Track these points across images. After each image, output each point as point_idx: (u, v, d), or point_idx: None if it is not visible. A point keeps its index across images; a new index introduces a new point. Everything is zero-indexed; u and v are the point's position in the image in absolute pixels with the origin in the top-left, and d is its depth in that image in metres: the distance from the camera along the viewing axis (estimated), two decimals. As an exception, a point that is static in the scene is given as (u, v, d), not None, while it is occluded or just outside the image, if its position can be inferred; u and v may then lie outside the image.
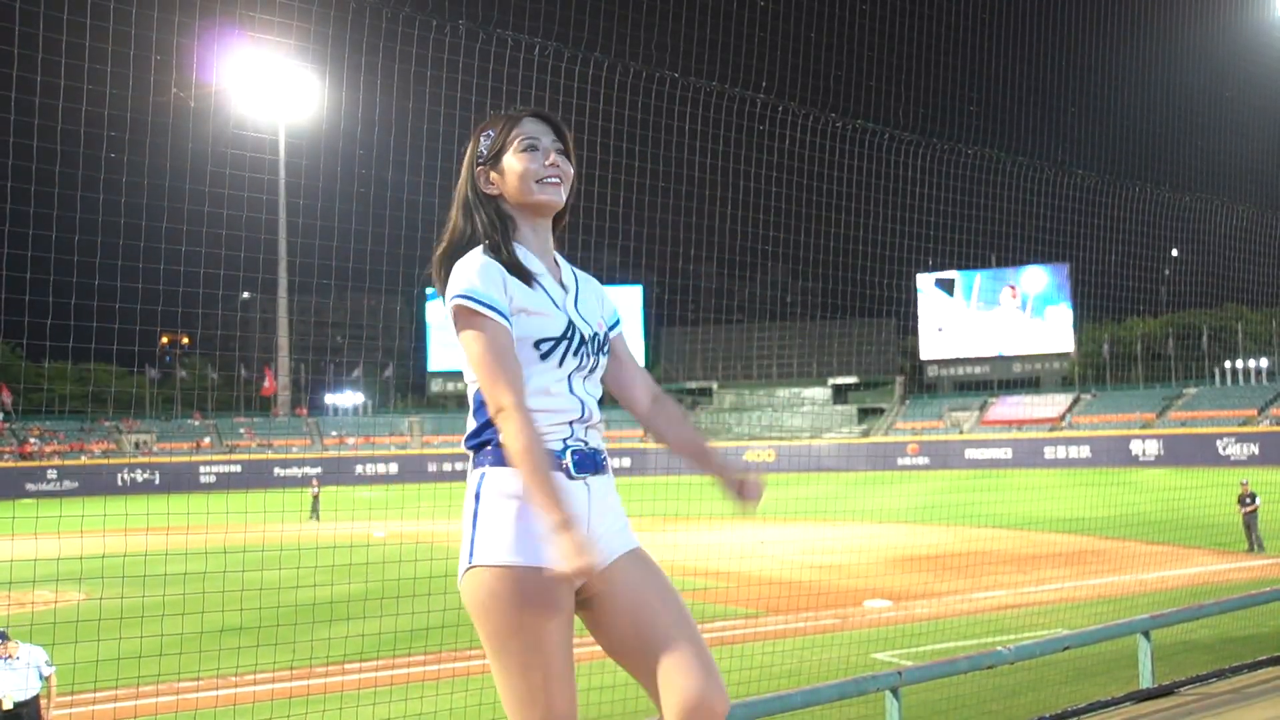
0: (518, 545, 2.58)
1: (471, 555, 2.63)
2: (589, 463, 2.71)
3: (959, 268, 68.27)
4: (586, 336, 2.76)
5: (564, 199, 2.80)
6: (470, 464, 2.75)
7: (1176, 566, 17.81)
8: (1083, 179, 12.31)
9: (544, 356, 2.67)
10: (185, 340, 68.13)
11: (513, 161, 2.76)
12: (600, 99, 7.79)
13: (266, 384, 69.30)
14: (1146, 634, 7.47)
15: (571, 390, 2.72)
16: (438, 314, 71.69)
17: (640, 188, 8.41)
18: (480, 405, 2.69)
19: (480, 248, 2.73)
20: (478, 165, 2.83)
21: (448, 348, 71.75)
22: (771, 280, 62.60)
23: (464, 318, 2.62)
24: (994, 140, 11.31)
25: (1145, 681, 7.34)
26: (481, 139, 2.84)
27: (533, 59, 7.63)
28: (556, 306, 2.73)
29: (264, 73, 45.11)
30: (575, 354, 2.72)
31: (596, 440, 2.78)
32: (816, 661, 10.90)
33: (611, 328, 2.93)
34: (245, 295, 64.22)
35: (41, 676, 8.54)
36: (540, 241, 2.82)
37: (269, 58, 40.17)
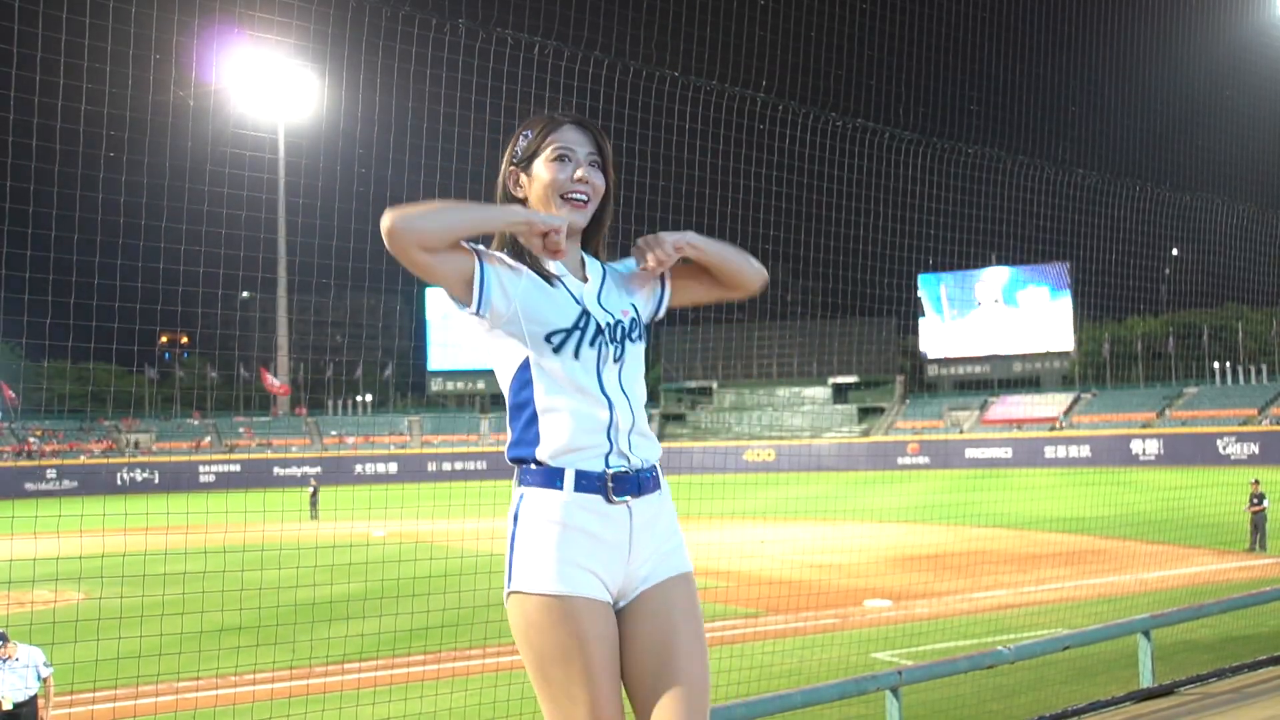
0: (558, 573, 2.54)
1: (510, 580, 2.60)
2: (630, 484, 2.63)
3: (959, 267, 68.25)
4: (603, 325, 2.66)
5: (585, 220, 2.73)
6: (514, 479, 2.70)
7: (1177, 566, 17.81)
8: (1083, 178, 12.30)
9: (557, 350, 2.60)
10: (184, 340, 68.25)
11: (541, 170, 2.70)
12: (600, 98, 7.78)
13: (277, 385, 69.21)
14: (1147, 633, 7.46)
15: (602, 388, 2.63)
16: (438, 310, 71.82)
17: (640, 186, 8.39)
18: (515, 410, 2.66)
19: (509, 247, 2.71)
20: (511, 164, 2.76)
21: (447, 347, 71.82)
22: (771, 279, 62.28)
23: (460, 256, 2.61)
24: (994, 139, 11.31)
25: (1145, 681, 7.34)
26: (520, 137, 2.76)
27: (532, 58, 7.63)
28: (575, 299, 2.65)
29: (264, 72, 45.12)
30: (592, 344, 2.63)
31: (644, 451, 2.68)
32: (816, 661, 10.90)
33: (658, 306, 2.90)
34: (245, 294, 64.34)
35: (39, 677, 8.53)
36: (566, 246, 2.73)
37: (268, 57, 40.19)
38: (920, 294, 72.45)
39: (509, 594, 2.59)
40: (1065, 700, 7.33)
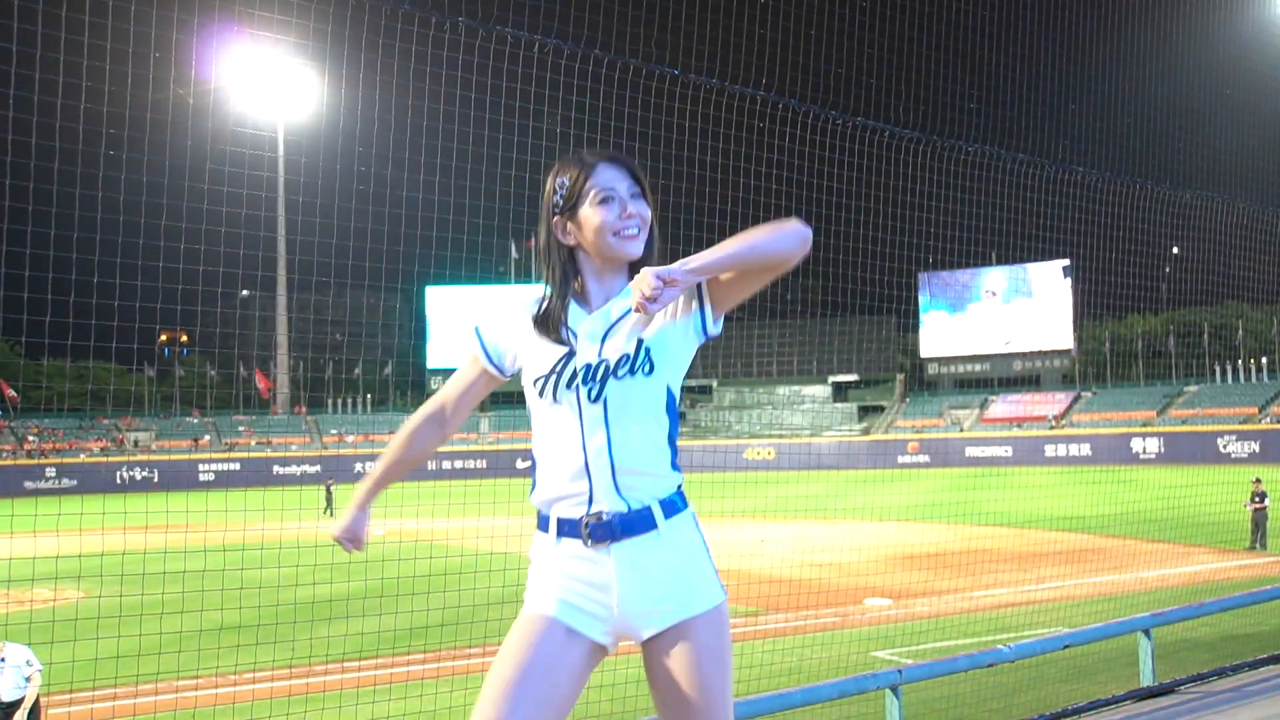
0: (538, 597, 2.74)
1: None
2: (605, 530, 2.64)
3: (959, 265, 68.24)
4: (580, 366, 2.67)
5: (640, 250, 2.75)
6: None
7: (1177, 565, 17.81)
8: (1083, 176, 12.30)
9: (540, 394, 2.71)
10: (184, 338, 68.24)
11: (589, 214, 2.71)
12: (600, 96, 7.77)
13: (262, 386, 69.39)
14: (1147, 632, 7.46)
15: (582, 431, 2.65)
16: (438, 309, 71.80)
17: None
18: (532, 461, 2.80)
19: (539, 295, 2.82)
20: (554, 215, 2.77)
21: (447, 345, 71.81)
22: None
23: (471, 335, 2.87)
24: (995, 137, 11.30)
25: (1146, 680, 7.33)
26: (557, 186, 2.77)
27: (532, 56, 7.62)
28: (567, 340, 2.70)
29: (263, 70, 45.11)
30: (569, 385, 2.66)
31: (639, 492, 2.67)
32: (817, 660, 10.89)
33: (701, 327, 2.81)
34: (244, 293, 64.33)
35: (24, 677, 8.51)
36: (605, 285, 2.78)
37: (268, 55, 40.17)
38: (920, 292, 72.42)
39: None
40: (1065, 699, 7.32)
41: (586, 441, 2.65)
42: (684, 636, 2.67)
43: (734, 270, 2.70)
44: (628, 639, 2.73)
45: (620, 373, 2.66)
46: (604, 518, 2.64)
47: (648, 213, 2.75)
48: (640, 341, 2.68)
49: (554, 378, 2.67)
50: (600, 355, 2.67)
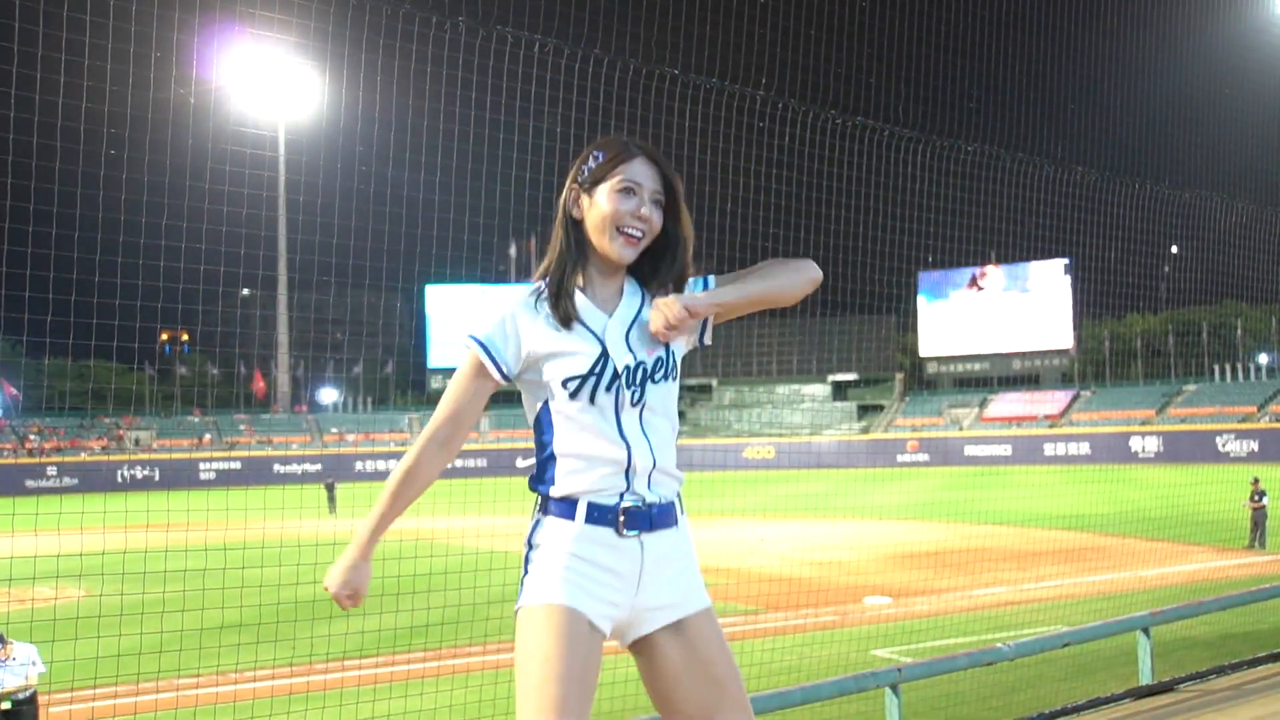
0: (563, 590, 2.62)
1: (520, 598, 2.67)
2: (642, 519, 2.64)
3: (959, 264, 68.25)
4: (621, 369, 2.64)
5: (632, 257, 2.70)
6: (534, 504, 2.77)
7: (1176, 563, 17.83)
8: (1082, 175, 12.31)
9: (573, 395, 2.62)
10: (185, 337, 68.21)
11: (604, 199, 2.67)
12: (600, 95, 7.78)
13: (258, 385, 69.57)
14: (1146, 631, 7.47)
15: (621, 433, 2.64)
16: (438, 308, 71.79)
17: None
18: (537, 447, 2.73)
19: (528, 291, 2.73)
20: (575, 183, 2.74)
21: (448, 345, 71.78)
22: (771, 277, 62.50)
23: (470, 349, 2.72)
24: (993, 137, 11.31)
25: (1145, 678, 7.35)
26: (590, 158, 2.73)
27: (532, 56, 7.64)
28: (597, 339, 2.66)
29: (264, 69, 45.08)
30: (609, 389, 2.63)
31: (664, 489, 2.70)
32: (816, 658, 10.90)
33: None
34: (245, 292, 64.23)
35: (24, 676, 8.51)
36: (606, 277, 2.75)
37: (269, 54, 40.16)
38: (920, 291, 72.40)
39: (517, 610, 2.66)
40: (1065, 697, 7.33)
41: (629, 440, 2.64)
42: (706, 622, 2.74)
43: (755, 306, 2.74)
44: (621, 634, 2.71)
45: (657, 377, 2.69)
46: (641, 506, 2.65)
47: (659, 224, 2.72)
48: (667, 347, 2.72)
49: (593, 379, 2.62)
50: (636, 359, 2.67)
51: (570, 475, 2.64)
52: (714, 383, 79.38)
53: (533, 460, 2.77)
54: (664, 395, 2.71)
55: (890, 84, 10.66)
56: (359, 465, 59.51)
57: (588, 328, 2.67)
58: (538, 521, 2.70)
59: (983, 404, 68.63)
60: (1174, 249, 16.19)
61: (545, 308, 2.68)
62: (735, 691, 2.71)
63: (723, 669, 2.70)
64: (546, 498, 2.68)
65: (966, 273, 71.37)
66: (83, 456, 56.65)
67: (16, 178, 6.82)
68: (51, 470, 54.07)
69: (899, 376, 75.75)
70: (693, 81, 8.34)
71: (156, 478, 53.75)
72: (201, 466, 57.10)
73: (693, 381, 79.28)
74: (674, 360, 2.74)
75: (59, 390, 58.32)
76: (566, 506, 2.64)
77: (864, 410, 73.75)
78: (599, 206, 2.68)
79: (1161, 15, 13.91)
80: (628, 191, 2.67)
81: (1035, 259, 66.01)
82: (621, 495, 2.63)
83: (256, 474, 54.18)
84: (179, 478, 53.19)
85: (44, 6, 6.33)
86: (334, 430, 68.00)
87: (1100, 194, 12.68)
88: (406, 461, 2.69)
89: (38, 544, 7.73)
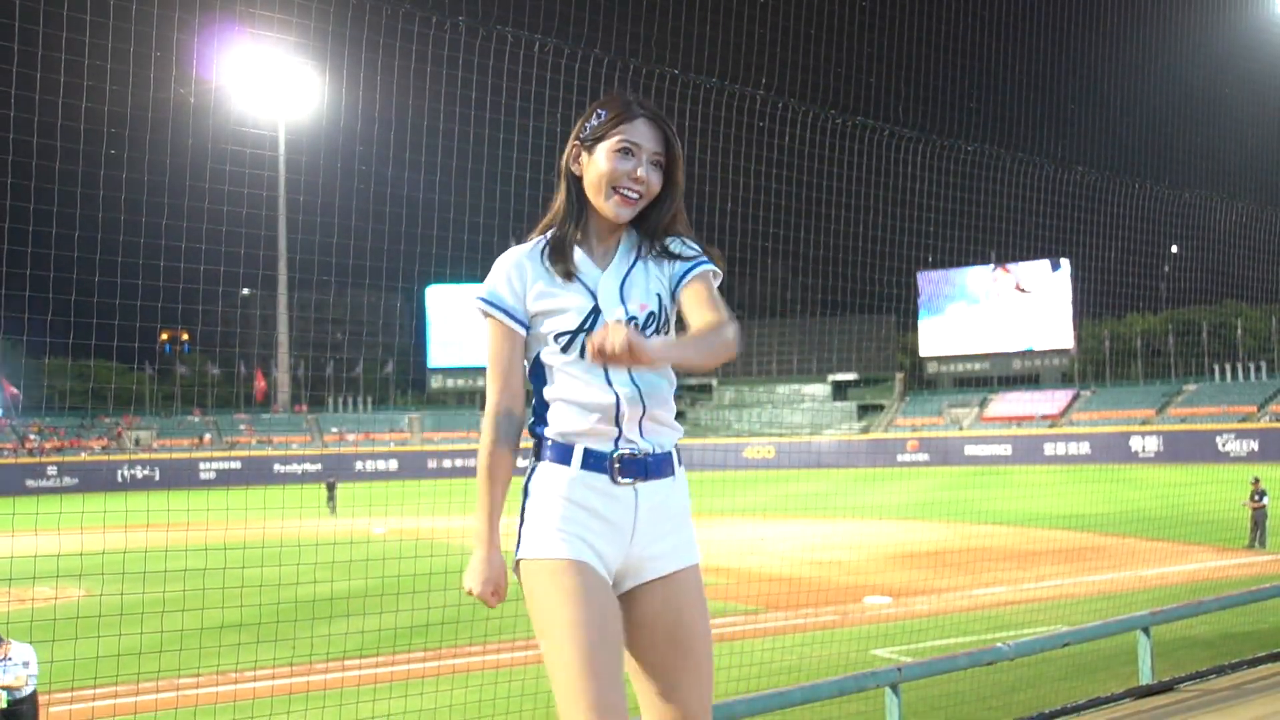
0: (562, 540, 2.62)
1: (518, 549, 2.69)
2: (637, 467, 2.65)
3: (959, 264, 68.25)
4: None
5: (628, 217, 2.72)
6: (531, 452, 2.78)
7: (1176, 563, 17.82)
8: (1082, 175, 12.31)
9: (564, 349, 2.66)
10: (185, 336, 68.21)
11: (602, 157, 2.69)
12: (600, 95, 7.77)
13: (260, 386, 69.71)
14: (1146, 630, 7.47)
15: (609, 382, 2.64)
16: (439, 307, 71.80)
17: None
18: (532, 394, 2.76)
19: (528, 244, 2.77)
20: (577, 140, 2.77)
21: (448, 344, 71.81)
22: (771, 276, 62.38)
23: (481, 314, 2.73)
24: (993, 136, 11.30)
25: (1145, 678, 7.34)
26: (594, 115, 2.75)
27: (532, 55, 7.63)
28: (590, 293, 2.68)
29: (264, 69, 45.08)
30: None
31: (658, 437, 2.70)
32: (816, 658, 10.91)
33: (680, 279, 2.76)
34: (245, 291, 64.24)
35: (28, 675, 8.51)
36: (606, 231, 2.77)
37: (269, 54, 40.14)
38: (919, 291, 72.41)
39: (517, 562, 2.68)
40: (1065, 697, 7.33)
41: (616, 388, 2.65)
42: (693, 576, 2.74)
43: (678, 366, 2.69)
44: (617, 584, 2.69)
45: (647, 331, 2.70)
46: (637, 454, 2.66)
47: (658, 186, 2.74)
48: (659, 297, 2.74)
49: (583, 335, 2.64)
50: (628, 313, 2.69)
51: (564, 419, 2.66)
52: (714, 382, 79.39)
53: (530, 461, 2.79)
54: None
55: (890, 84, 10.66)
56: (359, 465, 59.53)
57: (583, 283, 2.69)
58: (533, 468, 2.72)
59: (983, 404, 68.63)
60: (1174, 249, 16.19)
61: (547, 261, 2.71)
62: (698, 661, 2.67)
63: (689, 630, 2.67)
64: (542, 442, 2.70)
65: (978, 281, 71.33)
66: (83, 456, 56.65)
67: (16, 178, 6.82)
68: (51, 470, 54.07)
69: (899, 376, 75.76)
70: (693, 81, 8.34)
71: (156, 477, 53.75)
72: (201, 466, 57.10)
73: (693, 381, 79.27)
74: (666, 314, 2.75)
75: (59, 390, 58.34)
76: (563, 452, 2.66)
77: (864, 410, 73.76)
78: (597, 165, 2.70)
79: (1161, 15, 13.91)
80: (626, 152, 2.69)
81: (1035, 258, 65.99)
82: (616, 442, 2.64)
83: (256, 474, 54.17)
84: (179, 477, 53.19)
85: (44, 6, 6.33)
86: (334, 430, 68.00)
87: (1100, 193, 12.68)
88: (486, 445, 2.69)
89: (38, 544, 7.74)
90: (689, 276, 2.74)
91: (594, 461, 2.63)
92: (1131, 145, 14.17)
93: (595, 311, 2.66)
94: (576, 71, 7.64)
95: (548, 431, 2.68)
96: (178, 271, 8.31)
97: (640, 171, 2.69)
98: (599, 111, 2.75)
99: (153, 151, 7.46)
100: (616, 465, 2.63)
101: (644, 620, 2.67)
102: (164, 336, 59.48)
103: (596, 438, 2.64)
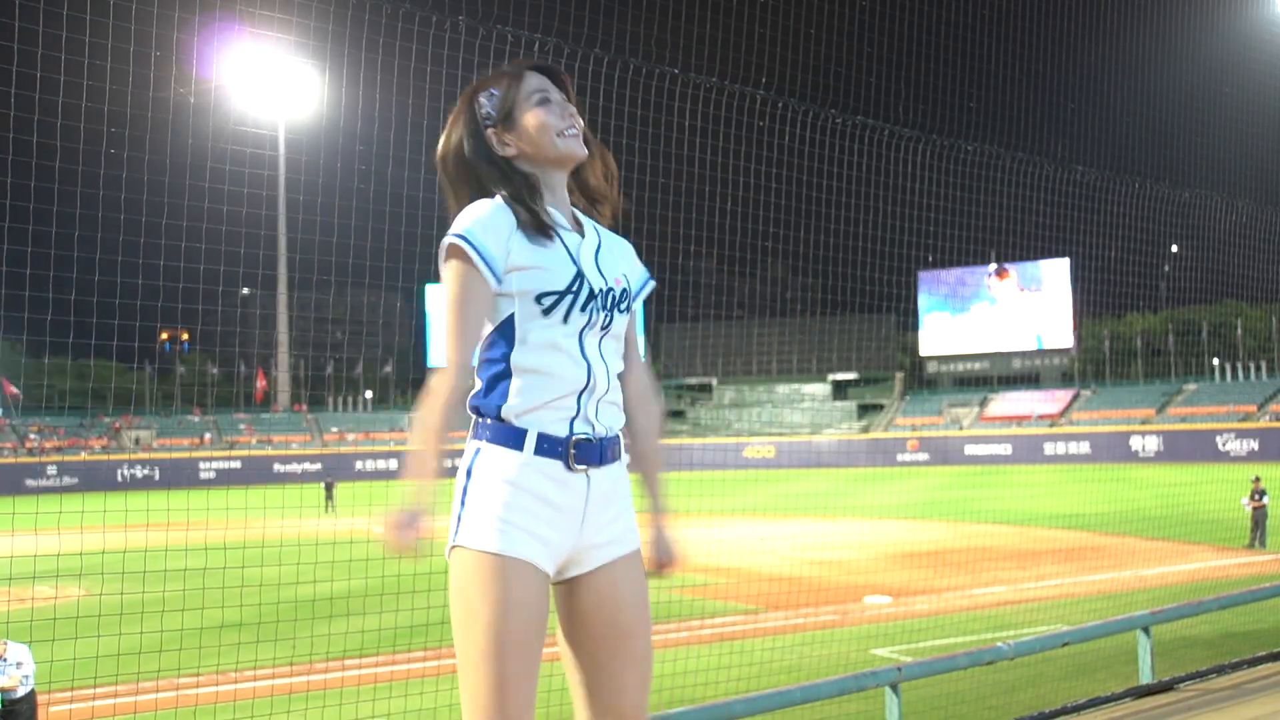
0: (501, 532, 2.50)
1: (455, 534, 2.55)
2: (592, 453, 2.56)
3: (959, 264, 68.22)
4: (597, 290, 2.60)
5: (585, 151, 2.70)
6: (470, 430, 2.64)
7: (1176, 562, 17.83)
8: (1082, 175, 12.31)
9: (546, 312, 2.53)
10: (185, 336, 68.23)
11: (529, 118, 2.66)
12: (600, 95, 7.78)
13: (259, 388, 69.81)
14: (1146, 630, 7.47)
15: (583, 352, 2.56)
16: (438, 307, 71.51)
17: (639, 184, 8.39)
18: (485, 363, 2.59)
19: (499, 196, 2.63)
20: (486, 128, 2.70)
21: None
22: (771, 276, 62.57)
23: (452, 255, 2.54)
24: (993, 136, 11.31)
25: (1145, 677, 7.35)
26: (483, 101, 2.71)
27: (532, 55, 7.62)
28: (571, 258, 2.60)
29: (264, 69, 45.05)
30: (584, 309, 2.56)
31: (609, 420, 2.62)
32: (816, 657, 10.92)
33: (639, 290, 2.80)
34: (245, 291, 64.25)
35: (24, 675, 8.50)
36: (559, 196, 2.71)
37: (269, 53, 40.12)
38: (920, 290, 72.43)
39: (452, 548, 2.55)
40: (1065, 696, 7.33)
41: (590, 361, 2.58)
42: (635, 562, 2.68)
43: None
44: (560, 572, 2.61)
45: (623, 306, 2.68)
46: (591, 439, 2.57)
47: (582, 121, 2.74)
48: (626, 278, 2.74)
49: (570, 296, 2.56)
50: (606, 284, 2.65)
51: (524, 392, 2.53)
52: (714, 382, 79.40)
53: (468, 441, 2.64)
54: (624, 325, 2.69)
55: (890, 84, 10.65)
56: (359, 465, 59.54)
57: (564, 244, 2.62)
58: (477, 450, 2.58)
59: (983, 403, 68.64)
60: (1174, 248, 16.20)
61: (519, 217, 2.59)
62: (638, 646, 2.62)
63: (630, 616, 2.61)
64: (490, 422, 2.56)
65: (978, 280, 71.30)
66: (83, 456, 56.67)
67: (16, 178, 6.82)
68: (51, 469, 54.08)
69: (899, 376, 75.77)
70: (693, 81, 8.34)
71: (156, 477, 53.77)
72: (201, 466, 57.14)
73: (693, 380, 79.30)
74: (632, 293, 2.75)
75: (59, 390, 58.36)
76: (512, 435, 2.53)
77: (864, 409, 73.78)
78: (530, 126, 2.67)
79: (1161, 15, 13.90)
80: (545, 102, 2.69)
81: (1035, 258, 65.99)
82: (571, 423, 2.55)
83: (256, 473, 54.18)
84: (179, 477, 53.17)
85: (44, 6, 6.33)
86: (334, 429, 68.01)
87: (1100, 193, 12.68)
88: (443, 399, 2.53)
89: (38, 543, 7.74)
90: (643, 292, 2.81)
91: (549, 447, 2.51)
92: (1131, 144, 14.17)
93: (580, 275, 2.59)
94: (576, 72, 7.64)
95: (503, 410, 2.53)
96: (178, 271, 8.32)
97: (569, 110, 2.71)
98: (490, 92, 2.72)
99: (153, 151, 7.46)
100: (572, 451, 2.53)
101: (585, 609, 2.60)
102: (164, 336, 59.49)
103: (553, 418, 2.53)
